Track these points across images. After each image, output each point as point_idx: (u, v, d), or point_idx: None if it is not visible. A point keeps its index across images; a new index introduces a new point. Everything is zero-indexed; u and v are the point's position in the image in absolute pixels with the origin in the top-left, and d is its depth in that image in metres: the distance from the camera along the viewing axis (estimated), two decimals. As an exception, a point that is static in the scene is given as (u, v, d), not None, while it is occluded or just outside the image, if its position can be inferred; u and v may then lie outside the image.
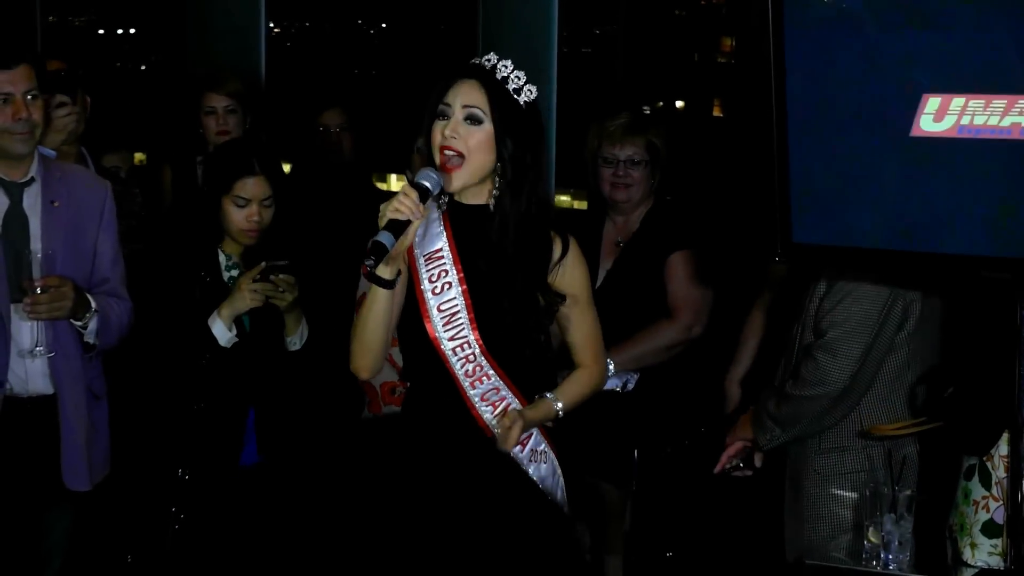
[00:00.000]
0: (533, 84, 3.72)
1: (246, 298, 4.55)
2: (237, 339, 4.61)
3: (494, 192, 3.71)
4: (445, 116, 3.65)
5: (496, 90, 3.64)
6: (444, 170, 3.63)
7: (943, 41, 3.26)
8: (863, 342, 4.09)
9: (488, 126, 3.63)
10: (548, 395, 3.83)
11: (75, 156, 5.44)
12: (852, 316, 4.09)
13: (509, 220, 3.69)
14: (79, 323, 4.45)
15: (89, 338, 4.50)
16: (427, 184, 3.57)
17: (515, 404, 3.78)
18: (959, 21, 3.23)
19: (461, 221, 3.76)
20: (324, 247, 5.58)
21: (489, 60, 3.70)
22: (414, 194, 3.53)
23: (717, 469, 4.49)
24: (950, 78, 3.27)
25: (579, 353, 3.91)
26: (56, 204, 4.50)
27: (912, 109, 3.30)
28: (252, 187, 4.65)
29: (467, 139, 3.63)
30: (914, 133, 3.31)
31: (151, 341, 4.70)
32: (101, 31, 10.60)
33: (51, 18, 10.05)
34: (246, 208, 4.64)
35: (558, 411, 3.83)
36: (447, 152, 3.63)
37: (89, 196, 4.61)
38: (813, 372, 4.12)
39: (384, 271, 3.59)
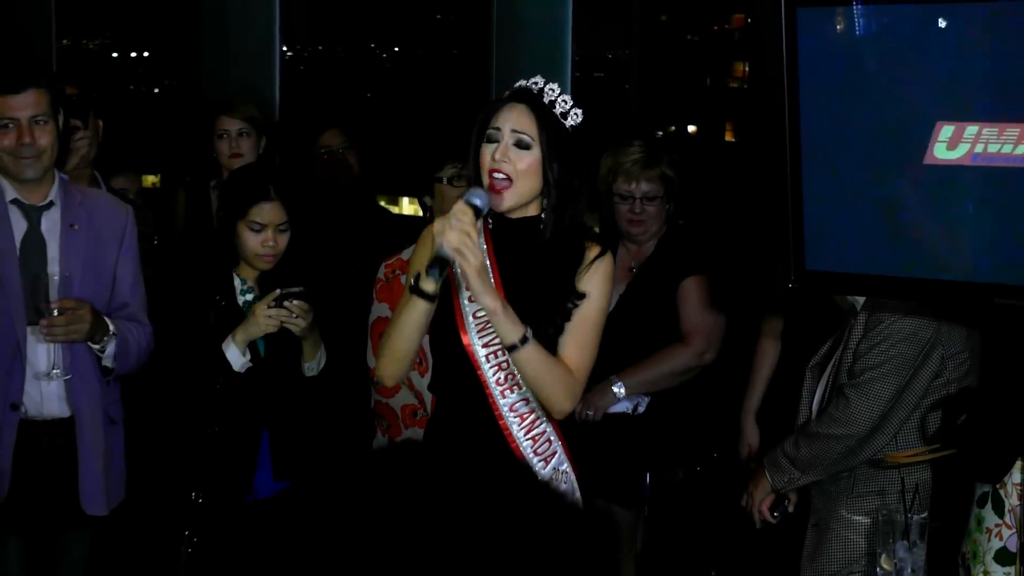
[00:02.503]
0: (579, 108, 3.74)
1: (260, 324, 4.55)
2: (251, 364, 4.61)
3: (541, 216, 3.75)
4: (494, 140, 3.69)
5: (544, 115, 3.68)
6: (493, 191, 3.67)
7: (957, 69, 3.27)
8: (896, 384, 4.08)
9: (536, 152, 3.67)
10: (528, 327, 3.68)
11: (88, 179, 5.45)
12: (888, 360, 4.08)
13: (551, 239, 3.73)
14: (97, 346, 4.46)
15: (107, 362, 4.50)
16: (478, 203, 3.60)
17: (543, 416, 3.79)
18: (972, 49, 3.24)
19: (504, 233, 3.79)
20: (335, 269, 5.59)
21: (536, 83, 3.73)
22: (470, 212, 3.55)
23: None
24: (964, 106, 3.28)
25: (560, 354, 3.75)
26: (75, 228, 4.50)
27: (926, 137, 3.31)
28: (268, 212, 4.65)
29: (516, 163, 3.66)
30: (927, 161, 3.32)
31: (165, 365, 4.71)
32: (115, 54, 10.63)
33: (65, 41, 10.09)
34: (261, 233, 4.65)
35: (525, 335, 3.59)
36: (496, 175, 3.67)
37: (110, 220, 4.62)
38: (843, 410, 4.11)
39: (427, 285, 3.61)
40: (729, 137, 8.82)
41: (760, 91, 7.27)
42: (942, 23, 3.27)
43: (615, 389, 5.24)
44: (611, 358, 5.14)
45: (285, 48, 9.35)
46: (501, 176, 3.67)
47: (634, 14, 8.60)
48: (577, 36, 7.99)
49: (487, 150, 3.69)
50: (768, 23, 3.44)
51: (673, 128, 8.90)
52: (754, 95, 7.63)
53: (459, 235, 3.49)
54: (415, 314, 3.67)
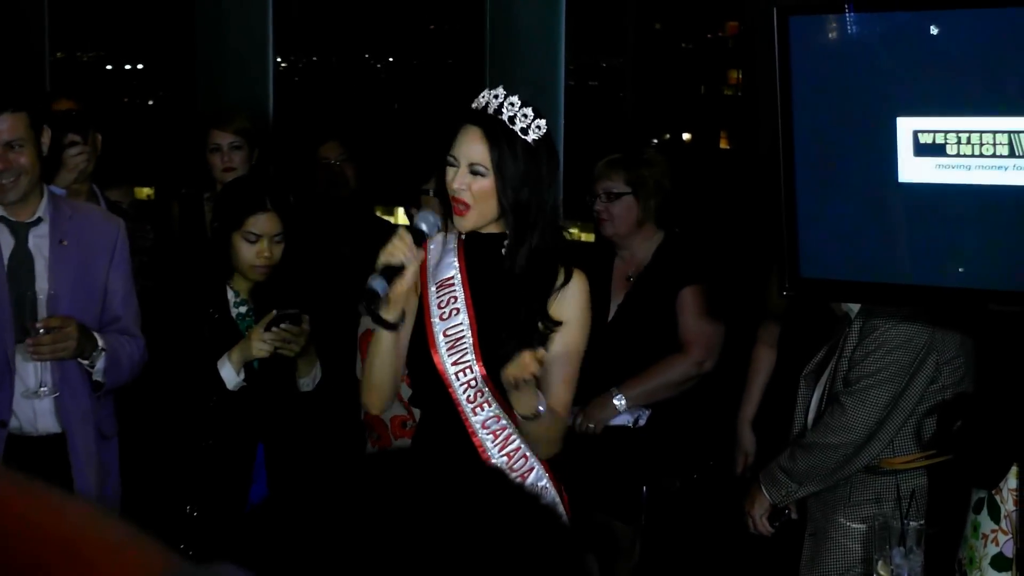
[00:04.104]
0: (542, 119, 3.73)
1: (254, 348, 4.54)
2: (244, 383, 4.60)
3: (505, 234, 3.74)
4: (453, 164, 3.70)
5: (498, 139, 3.66)
6: (456, 214, 3.69)
7: (948, 76, 3.27)
8: (892, 391, 4.09)
9: (491, 177, 3.66)
10: (542, 395, 3.71)
11: (86, 194, 5.45)
12: (884, 367, 4.08)
13: (518, 257, 3.71)
14: (86, 361, 4.45)
15: (97, 376, 4.49)
16: (423, 227, 3.63)
17: (516, 433, 3.78)
18: (964, 56, 3.24)
19: (475, 249, 3.79)
20: (329, 281, 5.58)
21: (497, 96, 3.71)
22: (408, 239, 3.58)
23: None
24: (955, 113, 3.28)
25: (549, 396, 3.75)
26: (64, 243, 4.49)
27: (916, 146, 3.31)
28: (263, 223, 4.65)
29: (473, 189, 3.67)
30: (917, 169, 3.32)
31: (159, 379, 4.69)
32: (109, 67, 10.63)
33: (59, 54, 10.09)
34: (257, 244, 4.64)
35: (538, 409, 3.65)
36: (456, 203, 3.69)
37: (99, 234, 4.61)
38: (839, 419, 4.11)
39: (387, 313, 3.63)
40: (724, 145, 8.82)
41: (753, 99, 7.27)
42: (934, 30, 3.27)
43: (615, 401, 5.24)
44: (610, 368, 5.15)
45: (280, 59, 9.35)
46: (460, 203, 3.68)
47: (628, 22, 8.60)
48: (571, 45, 7.99)
49: (448, 173, 3.71)
50: (760, 31, 3.44)
51: (668, 136, 8.90)
52: (747, 103, 7.63)
53: (387, 255, 3.56)
54: (382, 344, 3.72)
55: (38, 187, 4.51)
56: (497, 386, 3.73)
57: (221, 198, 5.00)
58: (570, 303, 3.76)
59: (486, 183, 3.67)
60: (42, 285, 4.42)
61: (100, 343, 4.45)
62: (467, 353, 3.74)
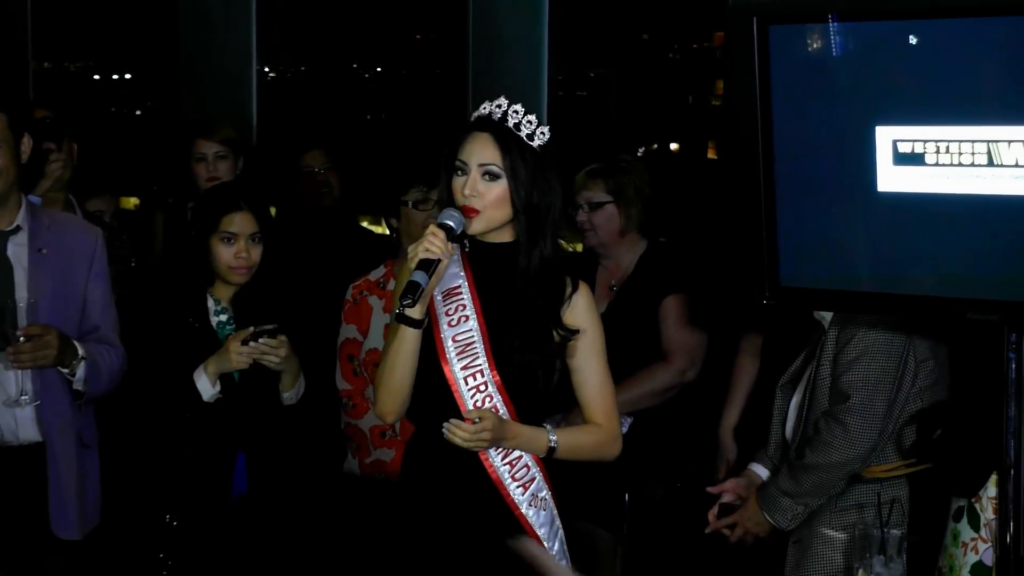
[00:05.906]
0: (545, 126, 3.76)
1: (231, 360, 4.52)
2: (220, 395, 4.57)
3: (518, 241, 3.76)
4: (462, 172, 3.71)
5: (509, 143, 3.69)
6: (465, 216, 3.70)
7: (927, 86, 3.27)
8: (886, 399, 4.09)
9: (504, 181, 3.69)
10: (547, 426, 3.82)
11: (62, 202, 5.43)
12: (872, 375, 4.08)
13: (530, 263, 3.74)
14: (66, 370, 4.44)
15: (78, 385, 4.47)
16: (451, 224, 3.64)
17: None
18: (943, 65, 3.25)
19: (481, 258, 3.81)
20: (310, 290, 5.57)
21: (500, 107, 3.74)
22: (442, 233, 3.60)
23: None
24: (933, 123, 3.28)
25: (589, 410, 3.89)
26: (44, 252, 4.48)
27: (894, 155, 3.31)
28: (239, 222, 4.61)
29: (485, 195, 3.69)
30: (895, 179, 3.32)
31: (138, 389, 4.68)
32: (96, 76, 10.63)
33: (46, 64, 10.09)
34: (234, 244, 4.60)
35: (550, 443, 3.78)
36: (466, 210, 3.69)
37: (79, 244, 4.60)
38: (841, 437, 4.09)
39: (413, 311, 3.64)
40: (712, 155, 8.83)
41: (733, 108, 7.30)
42: (913, 40, 3.27)
43: (598, 409, 5.24)
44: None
45: (268, 69, 9.35)
46: (469, 210, 3.69)
47: (615, 33, 8.61)
48: (558, 54, 7.99)
49: (457, 183, 3.72)
50: (740, 40, 3.44)
51: (655, 146, 8.91)
52: (727, 112, 7.64)
53: (423, 250, 3.57)
54: (406, 344, 3.72)
55: (16, 195, 4.49)
56: (508, 392, 3.75)
57: (197, 205, 4.97)
58: (583, 311, 3.82)
59: (499, 188, 3.69)
60: (21, 294, 4.41)
61: (80, 352, 4.44)
62: (478, 357, 3.76)
